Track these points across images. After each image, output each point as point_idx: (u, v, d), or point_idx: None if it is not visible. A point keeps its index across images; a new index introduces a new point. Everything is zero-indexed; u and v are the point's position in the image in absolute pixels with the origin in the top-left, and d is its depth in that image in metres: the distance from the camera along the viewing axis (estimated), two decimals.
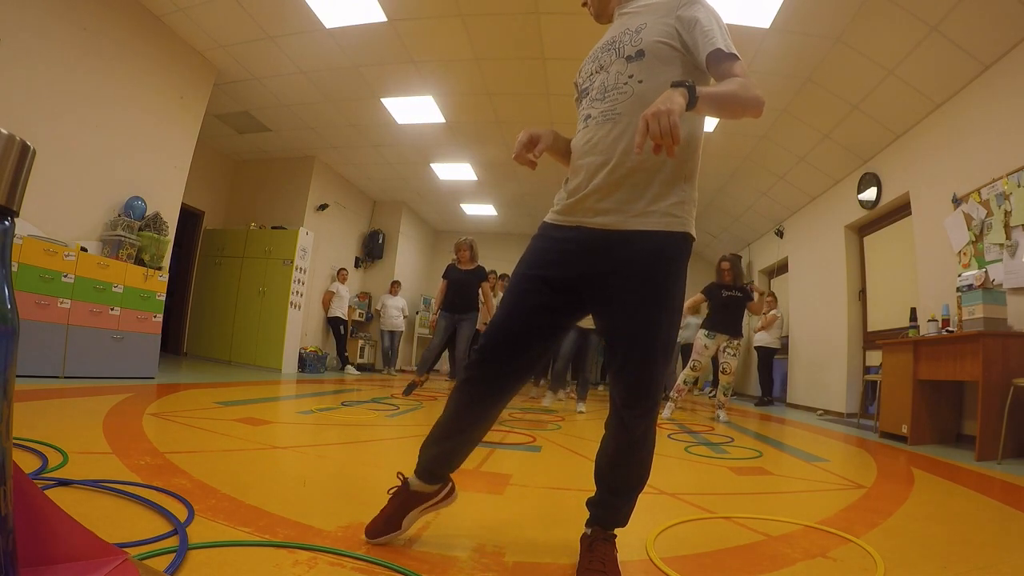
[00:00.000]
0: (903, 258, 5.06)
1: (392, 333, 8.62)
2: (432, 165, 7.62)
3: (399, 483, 1.28)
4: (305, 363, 7.15)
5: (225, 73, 5.37)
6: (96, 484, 1.40)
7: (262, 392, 4.26)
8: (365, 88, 5.52)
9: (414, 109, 5.89)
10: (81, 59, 3.97)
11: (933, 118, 4.44)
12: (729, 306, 4.75)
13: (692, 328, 7.01)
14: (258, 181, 7.78)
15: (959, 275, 3.93)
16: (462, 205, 9.54)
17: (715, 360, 4.86)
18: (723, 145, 6.08)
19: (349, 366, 7.91)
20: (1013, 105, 3.59)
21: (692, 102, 0.97)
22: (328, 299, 7.90)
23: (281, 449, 2.23)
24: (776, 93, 4.87)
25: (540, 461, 2.43)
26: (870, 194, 5.45)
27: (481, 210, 9.73)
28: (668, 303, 1.10)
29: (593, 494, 1.22)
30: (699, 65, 1.12)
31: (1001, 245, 3.62)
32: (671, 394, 4.74)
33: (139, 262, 4.29)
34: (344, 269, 8.11)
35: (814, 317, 6.76)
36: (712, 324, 4.77)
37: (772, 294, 7.78)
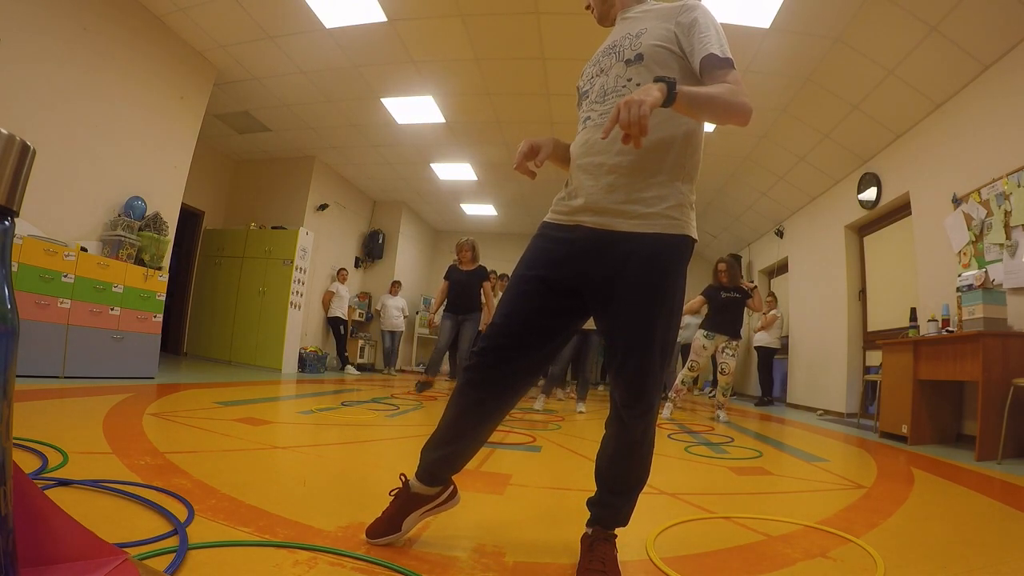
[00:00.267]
0: (903, 258, 5.06)
1: (392, 333, 8.62)
2: (432, 165, 7.62)
3: (401, 484, 1.28)
4: (305, 363, 7.15)
5: (225, 73, 5.37)
6: (96, 484, 1.40)
7: (262, 392, 4.26)
8: (365, 88, 5.52)
9: (414, 109, 5.89)
10: (81, 59, 3.97)
11: (933, 118, 4.44)
12: (729, 307, 4.76)
13: (692, 328, 7.01)
14: (258, 181, 7.78)
15: (959, 275, 3.93)
16: (462, 205, 9.54)
17: (714, 360, 4.87)
18: (723, 145, 6.08)
19: (349, 366, 7.91)
20: (1013, 105, 3.59)
21: (671, 98, 0.97)
22: (328, 299, 7.90)
23: (281, 449, 2.23)
24: (776, 93, 4.87)
25: (540, 461, 2.43)
26: (870, 194, 5.45)
27: (481, 210, 9.73)
28: (667, 304, 1.10)
29: (593, 494, 1.22)
30: (695, 70, 1.13)
31: (1001, 245, 3.62)
32: (670, 394, 4.75)
33: (139, 262, 4.29)
34: (344, 269, 8.11)
35: (814, 317, 6.76)
36: (712, 325, 4.78)
37: (772, 294, 7.78)
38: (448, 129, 6.34)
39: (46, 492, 1.05)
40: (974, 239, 3.89)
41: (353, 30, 4.56)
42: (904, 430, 3.82)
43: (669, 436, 3.51)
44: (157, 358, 4.39)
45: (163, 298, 4.42)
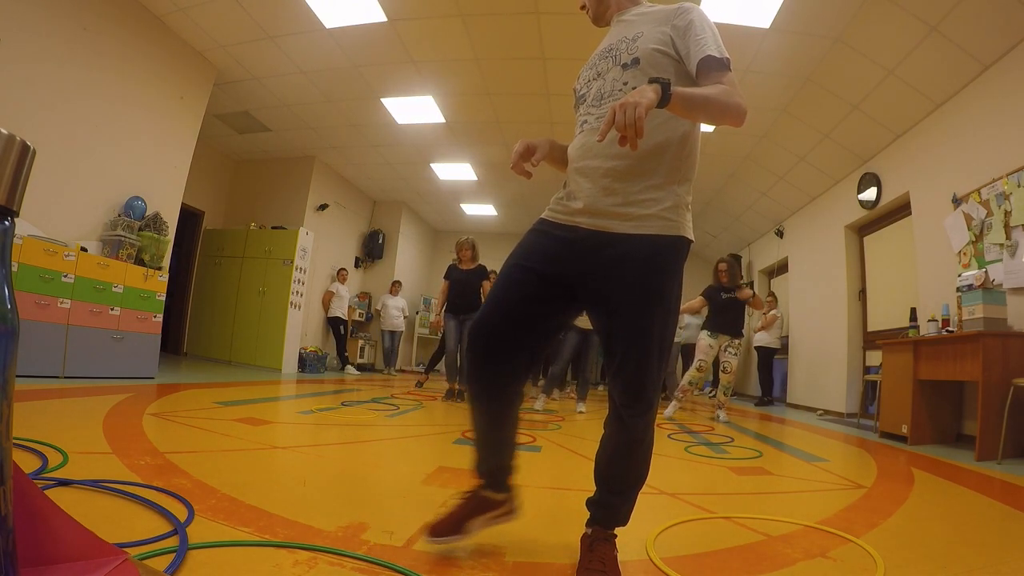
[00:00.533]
0: (903, 258, 5.06)
1: (392, 333, 8.62)
2: (432, 165, 7.62)
3: (467, 491, 1.27)
4: (305, 363, 7.15)
5: (225, 73, 5.37)
6: (96, 484, 1.40)
7: (262, 392, 4.26)
8: (365, 88, 5.52)
9: (414, 109, 5.89)
10: (82, 59, 3.97)
11: (933, 118, 4.44)
12: (730, 307, 4.77)
13: (692, 329, 7.02)
14: (258, 181, 7.78)
15: (959, 275, 3.93)
16: (462, 205, 9.55)
17: (716, 359, 4.88)
18: (723, 145, 6.08)
19: (349, 366, 7.91)
20: (1013, 105, 3.59)
21: (666, 99, 0.97)
22: (328, 299, 7.90)
23: (281, 449, 2.23)
24: (776, 93, 4.87)
25: (540, 461, 2.43)
26: (870, 194, 5.45)
27: (481, 210, 9.73)
28: (664, 305, 1.11)
29: (592, 494, 1.22)
30: (691, 73, 1.13)
31: (1001, 245, 3.62)
32: (676, 394, 4.76)
33: (139, 262, 4.29)
34: (344, 269, 8.11)
35: (814, 317, 6.76)
36: (714, 325, 4.78)
37: (772, 294, 7.78)
38: (448, 129, 6.34)
39: (46, 492, 1.05)
40: (974, 239, 3.89)
41: (353, 30, 4.56)
42: (904, 430, 3.82)
43: (669, 436, 3.51)
44: (157, 358, 4.39)
45: (163, 298, 4.42)
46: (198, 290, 7.27)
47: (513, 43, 4.56)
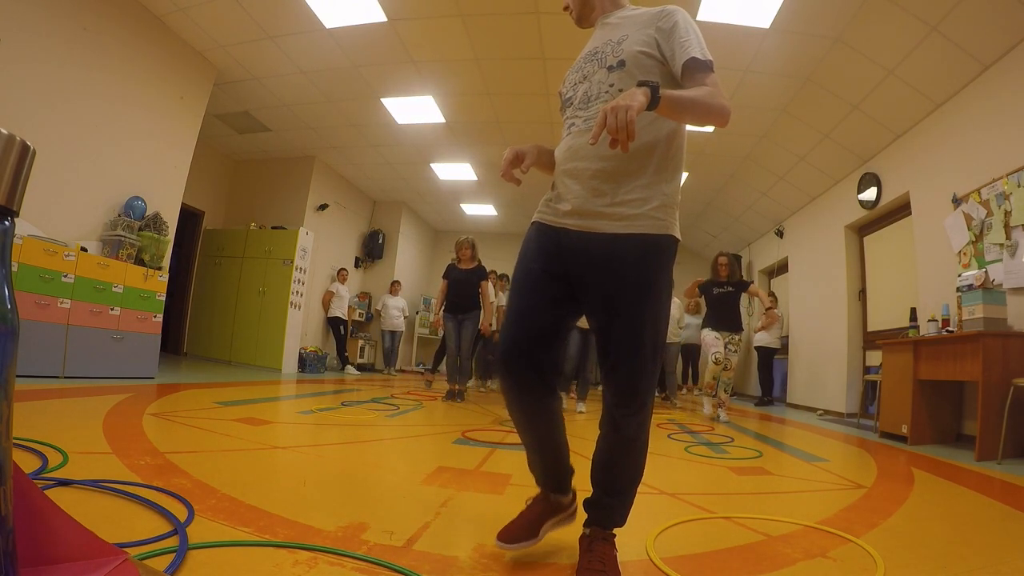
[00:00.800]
0: (903, 258, 5.06)
1: (393, 333, 8.62)
2: (432, 165, 7.62)
3: (537, 493, 1.28)
4: (305, 363, 7.15)
5: (225, 73, 5.37)
6: (96, 484, 1.40)
7: (262, 392, 4.26)
8: (365, 88, 5.52)
9: (414, 109, 5.89)
10: (81, 59, 3.97)
11: (933, 118, 4.44)
12: (724, 301, 4.75)
13: (692, 328, 7.02)
14: (258, 181, 7.78)
15: (959, 275, 3.93)
16: (462, 205, 9.55)
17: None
18: (723, 145, 6.08)
19: (349, 366, 7.91)
20: (1013, 105, 3.59)
21: (655, 102, 0.99)
22: (328, 299, 7.90)
23: (281, 449, 2.23)
24: (776, 93, 4.87)
25: None
26: (870, 194, 5.45)
27: (481, 210, 9.73)
28: (655, 304, 1.13)
29: (590, 495, 1.22)
30: (676, 75, 1.15)
31: (1001, 245, 3.62)
32: (705, 391, 4.78)
33: (139, 262, 4.29)
34: (344, 269, 8.11)
35: (814, 317, 6.76)
36: (713, 323, 4.77)
37: (772, 294, 7.78)
38: (448, 129, 6.34)
39: (46, 492, 1.05)
40: (974, 239, 3.89)
41: (353, 30, 4.56)
42: (904, 430, 3.82)
43: (669, 436, 3.51)
44: (157, 358, 4.39)
45: (163, 298, 4.42)
46: (198, 290, 7.27)
47: (513, 43, 4.56)
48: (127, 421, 2.37)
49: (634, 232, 1.11)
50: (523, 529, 1.17)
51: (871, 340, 5.66)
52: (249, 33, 4.71)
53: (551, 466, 1.27)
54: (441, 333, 5.38)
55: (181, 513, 1.25)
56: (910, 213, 4.86)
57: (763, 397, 7.19)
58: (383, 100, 5.76)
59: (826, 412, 6.07)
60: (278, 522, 1.28)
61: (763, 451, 3.11)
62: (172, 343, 6.95)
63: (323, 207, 7.78)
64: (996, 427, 3.03)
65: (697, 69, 1.11)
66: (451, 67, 5.01)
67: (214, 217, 7.59)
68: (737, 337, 4.72)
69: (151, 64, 4.56)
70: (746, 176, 6.85)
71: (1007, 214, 3.58)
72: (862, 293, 6.02)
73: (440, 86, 5.40)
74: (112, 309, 3.98)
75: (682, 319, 6.45)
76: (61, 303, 3.62)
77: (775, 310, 7.33)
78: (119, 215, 4.30)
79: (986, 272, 3.69)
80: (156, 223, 4.54)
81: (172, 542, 1.08)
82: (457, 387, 4.88)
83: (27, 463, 1.53)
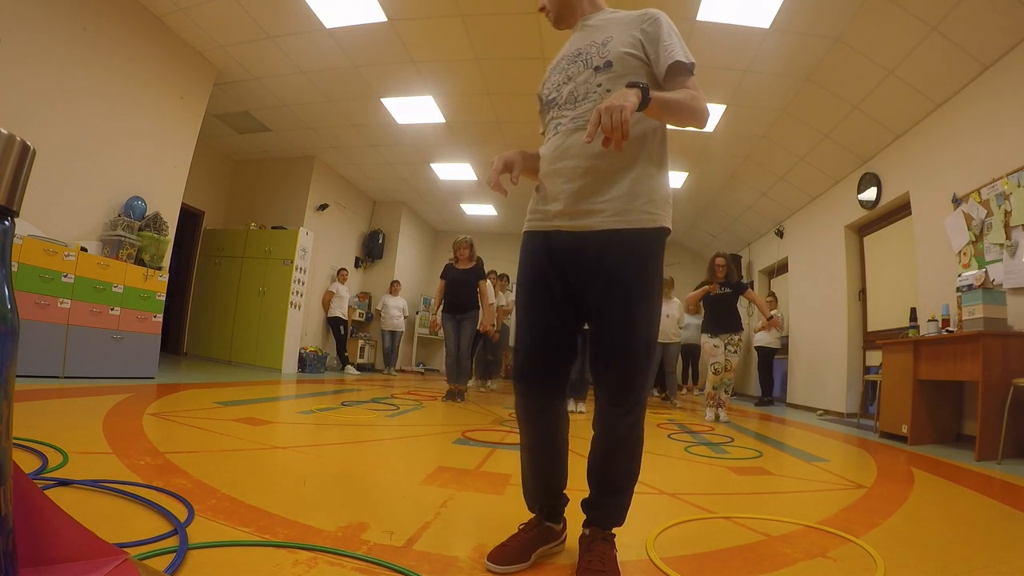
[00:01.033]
0: (903, 258, 5.06)
1: (393, 333, 8.62)
2: (432, 165, 7.62)
3: (531, 518, 1.27)
4: (305, 363, 7.15)
5: (225, 73, 5.37)
6: (96, 484, 1.40)
7: (262, 392, 4.26)
8: (365, 88, 5.52)
9: (414, 109, 5.89)
10: (82, 59, 3.97)
11: (933, 118, 4.44)
12: (721, 303, 4.75)
13: (692, 329, 7.02)
14: (258, 181, 7.78)
15: (959, 275, 3.93)
16: (462, 205, 9.55)
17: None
18: (723, 145, 6.08)
19: (349, 366, 7.91)
20: (1013, 105, 3.59)
21: (645, 103, 1.04)
22: (328, 299, 7.90)
23: (281, 449, 2.23)
24: (776, 93, 4.87)
25: None
26: (870, 194, 5.45)
27: (481, 210, 9.73)
28: (649, 298, 1.14)
29: (587, 496, 1.22)
30: (659, 76, 1.18)
31: (1001, 245, 3.62)
32: (705, 402, 4.78)
33: (139, 262, 4.29)
34: (344, 269, 8.11)
35: (814, 317, 6.76)
36: (710, 327, 4.77)
37: (772, 294, 7.78)
38: (448, 129, 6.34)
39: (46, 492, 1.05)
40: (974, 239, 3.89)
41: (353, 30, 4.56)
42: (904, 430, 3.82)
43: (669, 436, 3.51)
44: (157, 358, 4.39)
45: (163, 298, 4.42)
46: (198, 290, 7.27)
47: (513, 43, 4.56)
48: (127, 421, 2.37)
49: (626, 227, 1.13)
50: (515, 552, 1.17)
51: (871, 340, 5.66)
52: (249, 33, 4.71)
53: (552, 482, 1.27)
54: (441, 334, 5.38)
55: (181, 513, 1.25)
56: (910, 213, 4.86)
57: (763, 397, 7.19)
58: (383, 100, 5.76)
59: (826, 412, 6.07)
60: (278, 522, 1.28)
61: (763, 451, 3.11)
62: (172, 343, 6.95)
63: (323, 207, 7.78)
64: (996, 427, 3.03)
65: (680, 72, 1.17)
66: (451, 67, 5.01)
67: (214, 217, 7.59)
68: (737, 337, 4.71)
69: (151, 64, 4.56)
70: (746, 176, 6.85)
71: (1007, 214, 3.58)
72: (862, 293, 6.02)
73: (440, 86, 5.40)
74: (112, 309, 3.98)
75: (682, 319, 6.45)
76: (61, 303, 3.62)
77: (776, 312, 7.32)
78: (119, 215, 4.30)
79: (986, 272, 3.69)
80: (156, 223, 4.54)
81: (172, 542, 1.07)
82: (457, 387, 4.88)
83: (27, 463, 1.53)
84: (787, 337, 7.44)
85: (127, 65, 4.35)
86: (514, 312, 5.34)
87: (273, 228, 7.19)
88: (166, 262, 4.64)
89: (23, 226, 3.49)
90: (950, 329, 3.72)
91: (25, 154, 0.44)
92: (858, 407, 5.27)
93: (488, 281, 5.25)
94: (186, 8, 4.40)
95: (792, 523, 1.60)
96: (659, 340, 6.03)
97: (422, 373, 9.76)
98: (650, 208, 1.15)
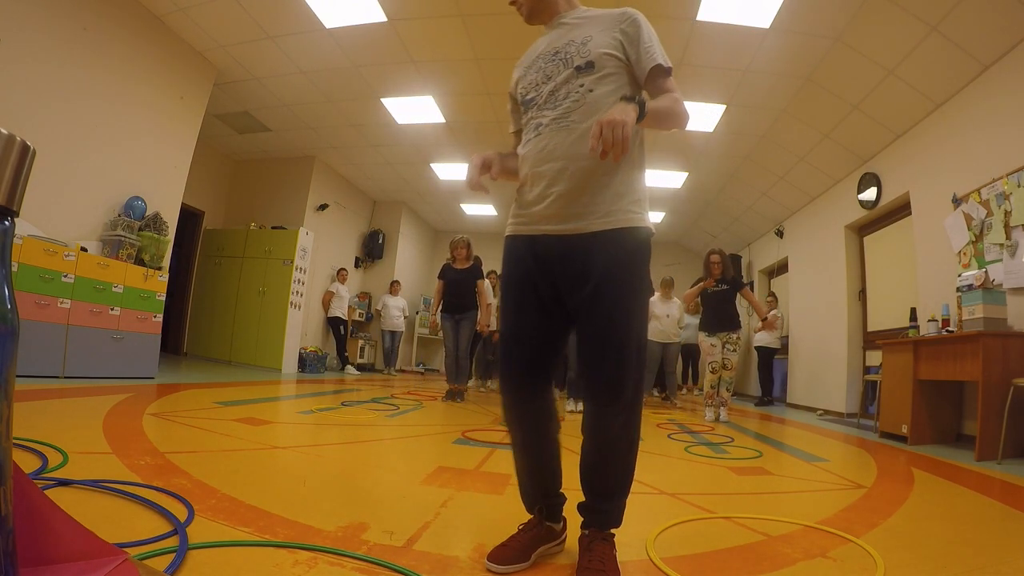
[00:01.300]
0: (903, 258, 5.06)
1: (393, 333, 8.62)
2: (432, 165, 7.62)
3: (530, 518, 1.27)
4: (305, 363, 7.15)
5: (225, 73, 5.37)
6: (96, 484, 1.40)
7: (262, 392, 4.26)
8: (365, 88, 5.52)
9: (414, 109, 5.89)
10: (82, 59, 3.97)
11: (933, 118, 4.44)
12: (718, 300, 4.74)
13: (693, 328, 7.01)
14: (258, 181, 7.78)
15: (959, 275, 3.93)
16: (462, 205, 9.55)
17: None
18: (723, 145, 6.08)
19: (349, 366, 7.91)
20: (1013, 105, 3.59)
21: (641, 116, 1.09)
22: (328, 299, 7.90)
23: (281, 449, 2.23)
24: (776, 93, 4.87)
25: None
26: (870, 194, 5.45)
27: (481, 210, 9.73)
28: (637, 297, 1.15)
29: (583, 499, 1.21)
30: (638, 77, 1.21)
31: (1001, 245, 3.62)
32: (704, 401, 4.77)
33: (139, 262, 4.29)
34: (344, 269, 8.11)
35: (814, 317, 6.76)
36: (708, 325, 4.76)
37: (772, 294, 7.78)
38: (448, 129, 6.34)
39: (46, 492, 1.05)
40: (974, 239, 3.89)
41: (353, 30, 4.56)
42: (904, 430, 3.82)
43: (669, 436, 3.51)
44: (157, 358, 4.39)
45: (163, 298, 4.42)
46: (198, 290, 7.27)
47: (513, 43, 4.55)
48: (127, 421, 2.37)
49: (613, 228, 1.14)
50: (515, 552, 1.17)
51: (871, 340, 5.66)
52: (249, 33, 4.71)
53: (547, 481, 1.26)
54: (441, 334, 5.38)
55: (181, 513, 1.25)
56: (910, 213, 4.86)
57: (763, 397, 7.19)
58: (383, 100, 5.75)
59: (826, 412, 6.07)
60: (278, 522, 1.28)
61: (763, 451, 3.11)
62: (172, 343, 6.95)
63: (323, 207, 7.78)
64: (996, 427, 3.03)
65: (660, 75, 1.20)
66: (451, 67, 5.01)
67: (214, 217, 7.58)
68: (735, 335, 4.70)
69: (151, 64, 4.56)
70: (746, 176, 6.85)
71: (1007, 214, 3.58)
72: (862, 293, 6.02)
73: (440, 86, 5.40)
74: (112, 309, 3.98)
75: (682, 319, 6.45)
76: (61, 303, 3.62)
77: (776, 312, 7.32)
78: (119, 215, 4.30)
79: (986, 272, 3.69)
80: (156, 223, 4.54)
81: (172, 542, 1.07)
82: (456, 387, 4.87)
83: (27, 463, 1.53)
84: (787, 337, 7.44)
85: (127, 65, 4.35)
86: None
87: (273, 228, 7.19)
88: (166, 262, 4.64)
89: (23, 226, 3.49)
90: (950, 329, 3.72)
91: (25, 154, 0.44)
92: (858, 407, 5.27)
93: (487, 281, 5.25)
94: (186, 8, 4.40)
95: (792, 523, 1.60)
96: (659, 340, 6.11)
97: (422, 373, 9.75)
98: (634, 208, 1.16)
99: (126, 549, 0.74)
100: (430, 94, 5.56)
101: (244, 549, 1.11)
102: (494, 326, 5.80)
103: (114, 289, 3.99)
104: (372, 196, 9.36)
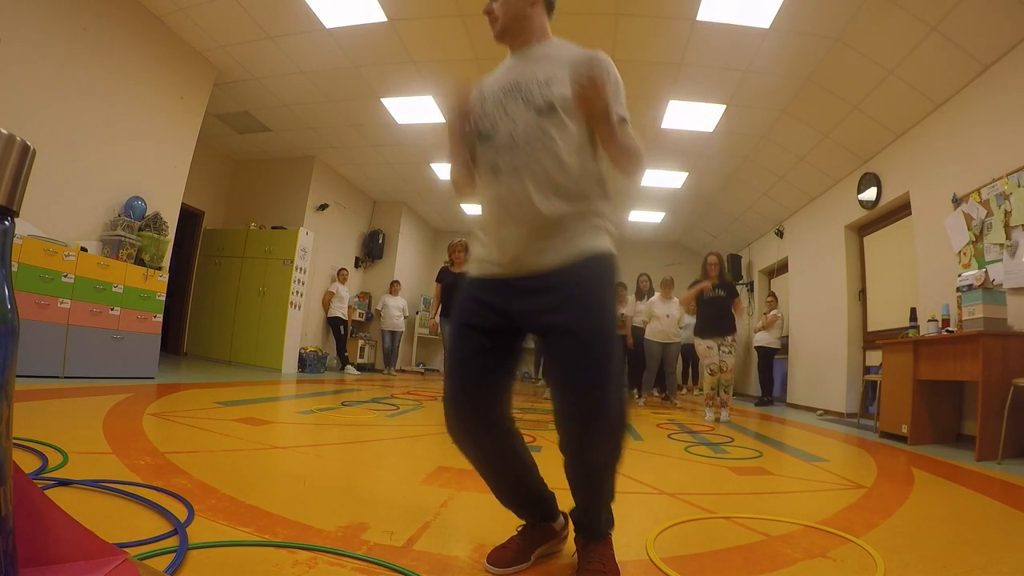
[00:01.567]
0: (903, 258, 5.06)
1: (393, 333, 8.62)
2: (432, 165, 7.62)
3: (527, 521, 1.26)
4: (305, 363, 7.15)
5: (225, 73, 5.37)
6: (96, 484, 1.40)
7: (262, 392, 4.26)
8: (365, 88, 5.52)
9: (414, 109, 5.89)
10: (82, 59, 3.97)
11: (933, 118, 4.44)
12: (714, 305, 4.74)
13: (691, 329, 7.00)
14: (258, 181, 7.78)
15: (959, 275, 3.93)
16: (462, 205, 9.55)
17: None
18: (723, 145, 6.07)
19: (349, 366, 7.91)
20: (1013, 105, 3.59)
21: (616, 122, 1.12)
22: (328, 299, 7.90)
23: (281, 449, 2.23)
24: (776, 93, 4.87)
25: (540, 461, 2.41)
26: (870, 194, 5.45)
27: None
28: (607, 319, 1.10)
29: (573, 506, 1.19)
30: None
31: (1001, 245, 3.62)
32: (705, 402, 4.77)
33: (139, 262, 4.29)
34: (344, 269, 8.11)
35: (814, 317, 6.76)
36: (702, 329, 4.76)
37: (772, 294, 7.78)
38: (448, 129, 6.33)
39: (46, 492, 1.05)
40: (974, 239, 3.89)
41: (353, 30, 4.56)
42: (904, 430, 3.82)
43: (669, 436, 3.51)
44: (157, 358, 4.39)
45: (163, 298, 4.42)
46: (198, 290, 7.27)
47: None
48: (127, 421, 2.37)
49: (579, 257, 1.10)
50: (514, 553, 1.16)
51: (871, 340, 5.66)
52: (249, 33, 4.71)
53: (523, 498, 1.25)
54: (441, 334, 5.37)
55: (181, 513, 1.25)
56: (910, 213, 4.86)
57: (763, 397, 7.19)
58: (383, 100, 5.75)
59: (826, 412, 6.07)
60: (278, 522, 1.28)
61: (763, 451, 3.11)
62: (172, 343, 6.95)
63: (323, 207, 7.78)
64: (996, 427, 3.03)
65: (620, 124, 1.17)
66: (451, 67, 5.01)
67: (214, 217, 7.58)
68: (730, 338, 4.70)
69: (151, 64, 4.56)
70: (746, 176, 6.85)
71: (1007, 214, 3.58)
72: (862, 293, 6.02)
73: (440, 86, 5.40)
74: (112, 309, 3.98)
75: (682, 319, 6.45)
76: (61, 303, 3.62)
77: (775, 312, 7.32)
78: (119, 215, 4.30)
79: (986, 272, 3.69)
80: (156, 223, 4.54)
81: (172, 542, 1.07)
82: None
83: (27, 463, 1.53)
84: (787, 337, 7.44)
85: (127, 65, 4.35)
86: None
87: (273, 228, 7.19)
88: (166, 262, 4.64)
89: (23, 226, 3.49)
90: (950, 329, 3.72)
91: (25, 154, 0.44)
92: (858, 407, 5.26)
93: None
94: (186, 8, 4.40)
95: (792, 523, 1.60)
96: (659, 340, 6.12)
97: (422, 373, 9.75)
98: (598, 236, 1.14)
99: (126, 549, 0.74)
100: (430, 94, 5.56)
101: (244, 549, 1.11)
102: None
103: (114, 289, 3.99)
104: (372, 196, 9.36)
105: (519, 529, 1.23)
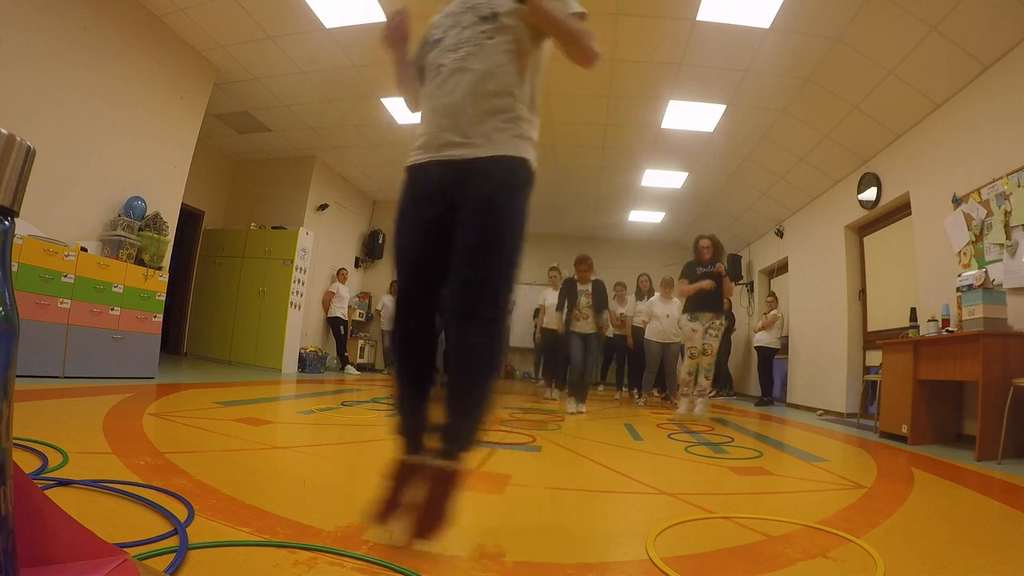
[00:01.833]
0: (903, 258, 5.06)
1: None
2: None
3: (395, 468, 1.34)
4: (305, 363, 7.15)
5: (225, 73, 5.37)
6: (96, 484, 1.40)
7: (262, 392, 4.26)
8: (365, 88, 5.52)
9: None
10: (82, 59, 3.97)
11: (933, 118, 4.44)
12: (705, 279, 4.70)
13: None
14: (258, 181, 7.78)
15: (959, 275, 3.93)
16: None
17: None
18: (723, 145, 6.08)
19: (349, 366, 7.91)
20: (1013, 105, 3.59)
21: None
22: (328, 299, 7.90)
23: (281, 449, 2.23)
24: (776, 93, 4.87)
25: (540, 461, 2.43)
26: (870, 194, 5.45)
27: None
28: (510, 220, 1.25)
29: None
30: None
31: (1001, 245, 3.62)
32: (681, 390, 4.73)
33: (139, 262, 4.29)
34: (344, 269, 8.11)
35: (814, 317, 6.76)
36: (692, 305, 4.73)
37: (772, 294, 7.78)
38: None
39: (46, 492, 1.05)
40: (974, 239, 3.89)
41: (353, 30, 4.56)
42: (904, 430, 3.82)
43: (669, 436, 3.51)
44: (157, 358, 4.39)
45: (163, 298, 4.42)
46: (198, 290, 7.27)
47: None
48: (127, 421, 2.37)
49: (496, 154, 1.26)
50: (387, 506, 1.23)
51: (871, 340, 5.66)
52: (249, 33, 4.71)
53: (425, 417, 1.33)
54: None
55: (181, 513, 1.25)
56: (910, 213, 4.86)
57: (763, 397, 7.19)
58: (383, 100, 5.75)
59: (826, 412, 6.07)
60: (278, 522, 1.28)
61: (763, 451, 3.11)
62: (172, 343, 6.95)
63: (323, 207, 7.78)
64: (996, 427, 3.03)
65: (573, 19, 1.31)
66: None
67: (214, 217, 7.58)
68: (718, 321, 4.67)
69: (151, 64, 4.56)
70: (746, 176, 6.85)
71: (1007, 214, 3.58)
72: (862, 293, 6.02)
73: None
74: (112, 309, 3.98)
75: (682, 318, 6.45)
76: (61, 303, 3.62)
77: (775, 310, 7.33)
78: (119, 215, 4.30)
79: (986, 272, 3.69)
80: (156, 223, 4.54)
81: (172, 542, 1.07)
82: None
83: (27, 463, 1.53)
84: (787, 337, 7.44)
85: (127, 65, 4.35)
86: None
87: (273, 228, 7.19)
88: (166, 262, 4.64)
89: (23, 226, 3.49)
90: (950, 329, 3.72)
91: (25, 154, 0.44)
92: (858, 407, 5.26)
93: None
94: (186, 8, 4.40)
95: (792, 523, 1.60)
96: (659, 340, 6.11)
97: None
98: (517, 141, 1.28)
99: (126, 549, 0.74)
100: None
101: (244, 549, 1.11)
102: None
103: (114, 289, 3.99)
104: (372, 196, 9.36)
105: (389, 480, 1.29)
